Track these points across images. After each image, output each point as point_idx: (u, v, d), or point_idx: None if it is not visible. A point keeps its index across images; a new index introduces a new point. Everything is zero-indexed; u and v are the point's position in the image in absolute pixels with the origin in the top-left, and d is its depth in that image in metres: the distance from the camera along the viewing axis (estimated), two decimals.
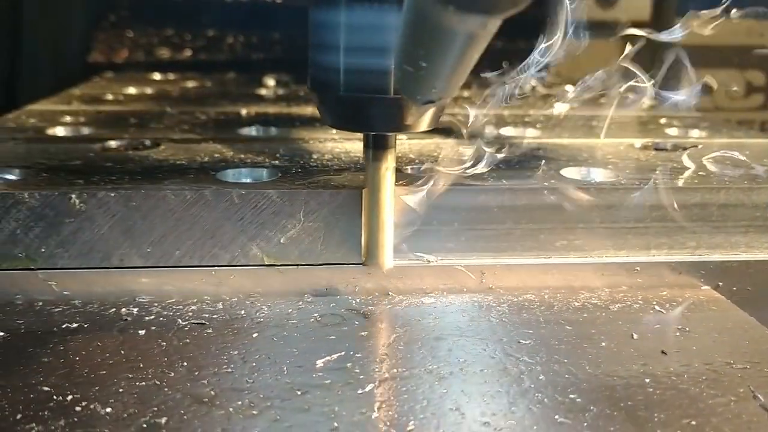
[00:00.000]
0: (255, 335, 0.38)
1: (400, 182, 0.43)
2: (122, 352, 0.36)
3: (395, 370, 0.35)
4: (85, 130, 0.61)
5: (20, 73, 1.00)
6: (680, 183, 0.45)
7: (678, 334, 0.39)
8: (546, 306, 0.42)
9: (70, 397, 0.32)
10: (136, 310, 0.41)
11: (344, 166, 0.48)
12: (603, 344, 0.38)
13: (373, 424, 0.30)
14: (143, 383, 0.33)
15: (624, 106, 0.46)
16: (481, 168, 0.43)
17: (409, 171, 0.47)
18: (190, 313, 0.40)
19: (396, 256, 0.43)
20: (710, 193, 0.45)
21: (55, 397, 0.32)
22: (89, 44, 1.12)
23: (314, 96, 0.40)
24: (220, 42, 1.18)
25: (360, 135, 0.43)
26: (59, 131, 0.61)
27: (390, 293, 0.43)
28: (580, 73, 0.44)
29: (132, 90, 0.88)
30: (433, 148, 0.54)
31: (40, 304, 0.41)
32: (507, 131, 0.63)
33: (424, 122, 0.38)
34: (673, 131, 0.65)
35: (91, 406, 0.31)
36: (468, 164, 0.43)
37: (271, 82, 0.98)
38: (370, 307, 0.42)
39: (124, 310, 0.41)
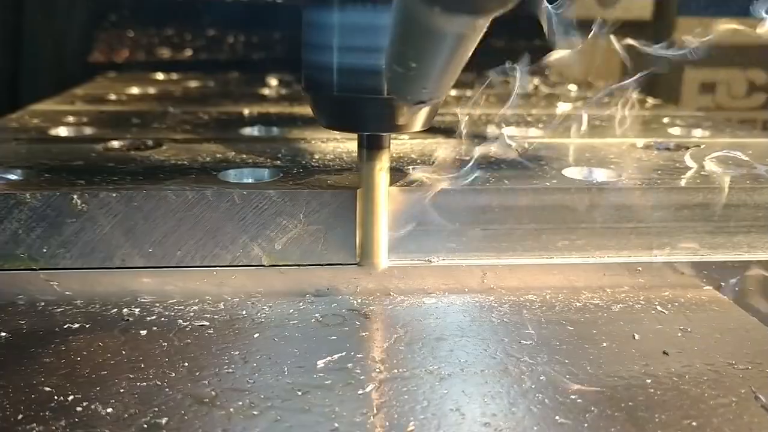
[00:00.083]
0: (256, 335, 0.38)
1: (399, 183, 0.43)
2: (123, 352, 0.36)
3: (396, 371, 0.35)
4: (88, 130, 0.61)
5: (22, 73, 1.00)
6: (682, 183, 0.45)
7: (680, 334, 0.39)
8: (547, 306, 0.42)
9: (71, 397, 0.32)
10: (137, 310, 0.41)
11: (346, 166, 0.48)
12: (604, 345, 0.38)
13: (373, 424, 0.30)
14: (144, 383, 0.33)
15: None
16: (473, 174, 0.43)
17: (411, 172, 0.47)
18: (192, 314, 0.40)
19: (391, 256, 0.43)
20: (712, 193, 0.45)
21: (56, 397, 0.32)
22: (91, 44, 1.13)
23: (308, 96, 0.40)
24: (222, 42, 1.18)
25: None
26: (62, 131, 0.61)
27: (391, 293, 0.43)
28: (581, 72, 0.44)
29: (135, 90, 0.88)
30: (434, 148, 0.54)
31: (42, 304, 0.41)
32: (508, 131, 0.63)
33: (418, 122, 0.39)
34: (675, 131, 0.65)
35: (92, 406, 0.31)
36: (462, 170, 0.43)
37: (273, 81, 0.98)
38: (371, 308, 0.42)
39: (125, 310, 0.41)
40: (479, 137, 0.50)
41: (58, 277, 0.42)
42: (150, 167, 0.47)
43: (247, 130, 0.63)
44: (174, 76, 1.05)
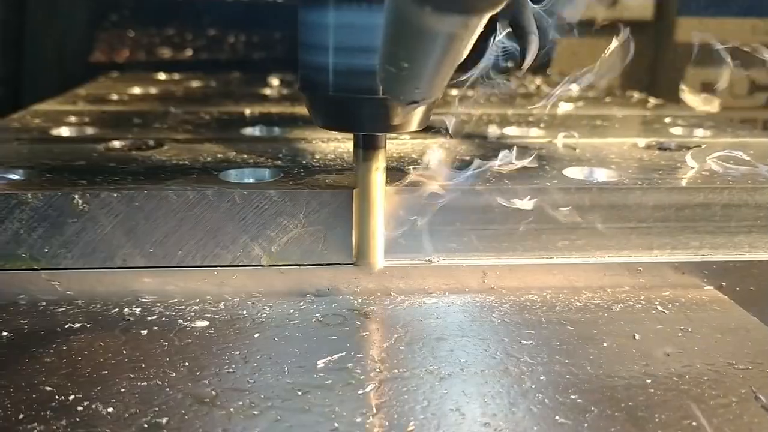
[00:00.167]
0: (256, 335, 0.38)
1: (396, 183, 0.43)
2: (124, 351, 0.36)
3: (396, 371, 0.35)
4: (89, 131, 0.61)
5: (24, 73, 1.00)
6: (683, 183, 0.45)
7: (680, 334, 0.39)
8: (548, 306, 0.42)
9: (72, 397, 0.32)
10: (138, 310, 0.41)
11: (347, 166, 0.48)
12: (605, 344, 0.38)
13: (373, 424, 0.30)
14: (145, 383, 0.33)
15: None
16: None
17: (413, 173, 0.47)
18: (193, 313, 0.40)
19: (387, 257, 0.43)
20: (713, 193, 0.45)
21: (57, 396, 0.32)
22: (92, 44, 1.13)
23: (304, 96, 0.40)
24: (224, 41, 1.18)
25: None
26: (63, 131, 0.61)
27: (392, 293, 0.43)
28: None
29: (137, 90, 0.89)
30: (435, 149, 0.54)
31: (44, 304, 0.41)
32: (509, 131, 0.63)
33: (414, 122, 0.39)
34: (677, 130, 0.65)
35: (93, 406, 0.31)
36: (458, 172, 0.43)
37: (275, 81, 0.98)
38: (371, 308, 0.42)
39: (126, 310, 0.41)
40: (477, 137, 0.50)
41: (60, 277, 0.42)
42: (151, 167, 0.48)
43: (249, 130, 0.63)
44: (176, 76, 1.05)
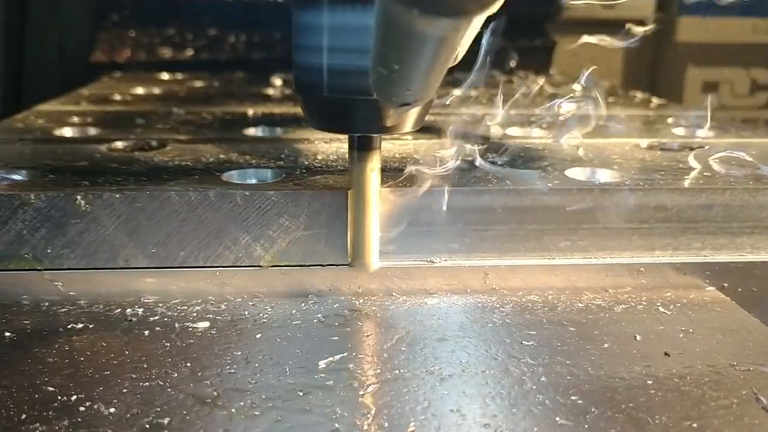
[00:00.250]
0: (258, 336, 0.38)
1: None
2: (126, 352, 0.36)
3: (397, 371, 0.35)
4: (92, 131, 0.61)
5: (25, 73, 1.01)
6: (686, 183, 0.45)
7: (681, 335, 0.39)
8: (549, 307, 0.42)
9: (74, 397, 0.32)
10: (140, 310, 0.41)
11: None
12: (606, 345, 0.38)
13: (374, 425, 0.30)
14: (147, 383, 0.33)
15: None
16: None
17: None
18: (194, 314, 0.41)
19: (383, 258, 0.43)
20: (716, 194, 0.45)
21: (59, 397, 0.32)
22: (94, 44, 1.13)
23: (299, 97, 0.40)
24: (226, 42, 1.18)
25: None
26: (66, 132, 0.61)
27: (393, 294, 0.44)
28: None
29: (139, 90, 0.89)
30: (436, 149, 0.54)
31: (46, 304, 0.41)
32: (509, 131, 0.63)
33: (409, 123, 0.39)
34: (679, 131, 0.65)
35: (95, 406, 0.31)
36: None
37: (278, 81, 0.98)
38: (373, 308, 0.42)
39: (128, 310, 0.41)
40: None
41: (62, 278, 0.42)
42: (153, 168, 0.48)
43: (251, 131, 0.63)
44: (179, 76, 1.05)
